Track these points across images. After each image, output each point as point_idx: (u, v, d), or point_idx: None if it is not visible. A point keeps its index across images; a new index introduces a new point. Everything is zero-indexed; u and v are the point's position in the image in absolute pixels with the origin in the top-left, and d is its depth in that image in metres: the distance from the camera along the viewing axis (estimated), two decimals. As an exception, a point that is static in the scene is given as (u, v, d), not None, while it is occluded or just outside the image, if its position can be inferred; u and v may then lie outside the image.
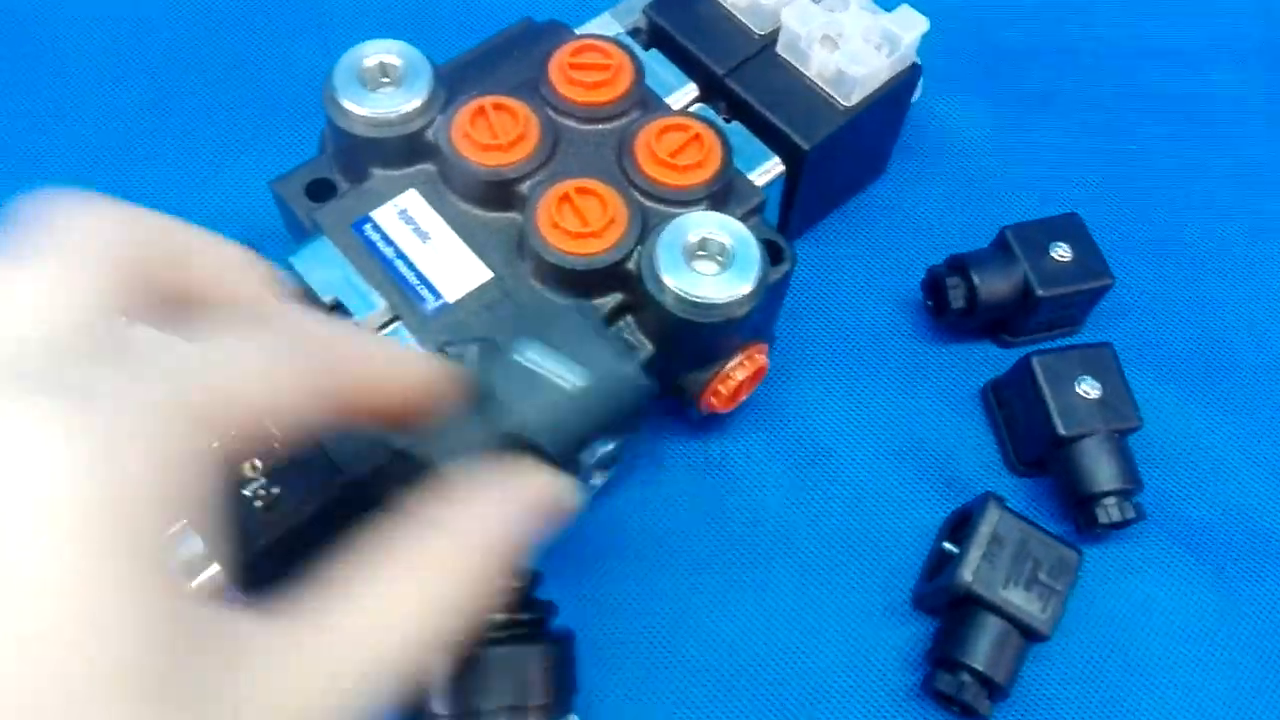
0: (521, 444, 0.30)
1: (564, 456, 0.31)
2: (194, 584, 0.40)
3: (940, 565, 0.46)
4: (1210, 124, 0.63)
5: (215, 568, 0.39)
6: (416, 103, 0.45)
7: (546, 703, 0.37)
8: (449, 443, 0.30)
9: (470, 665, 0.37)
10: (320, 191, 0.47)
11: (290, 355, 0.24)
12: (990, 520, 0.44)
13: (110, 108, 0.59)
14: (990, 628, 0.43)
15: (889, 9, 0.51)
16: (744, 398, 0.48)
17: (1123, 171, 0.60)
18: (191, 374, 0.22)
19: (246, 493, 0.39)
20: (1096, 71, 0.64)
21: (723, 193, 0.46)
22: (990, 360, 0.53)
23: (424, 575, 0.24)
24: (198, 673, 0.19)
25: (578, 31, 0.53)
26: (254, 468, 0.39)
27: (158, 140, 0.58)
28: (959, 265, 0.51)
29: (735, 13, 0.52)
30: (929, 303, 0.53)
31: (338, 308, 0.44)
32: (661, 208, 0.45)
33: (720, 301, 0.42)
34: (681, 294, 0.42)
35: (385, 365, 0.28)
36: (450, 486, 0.27)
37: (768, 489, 0.50)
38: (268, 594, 0.44)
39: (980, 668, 0.42)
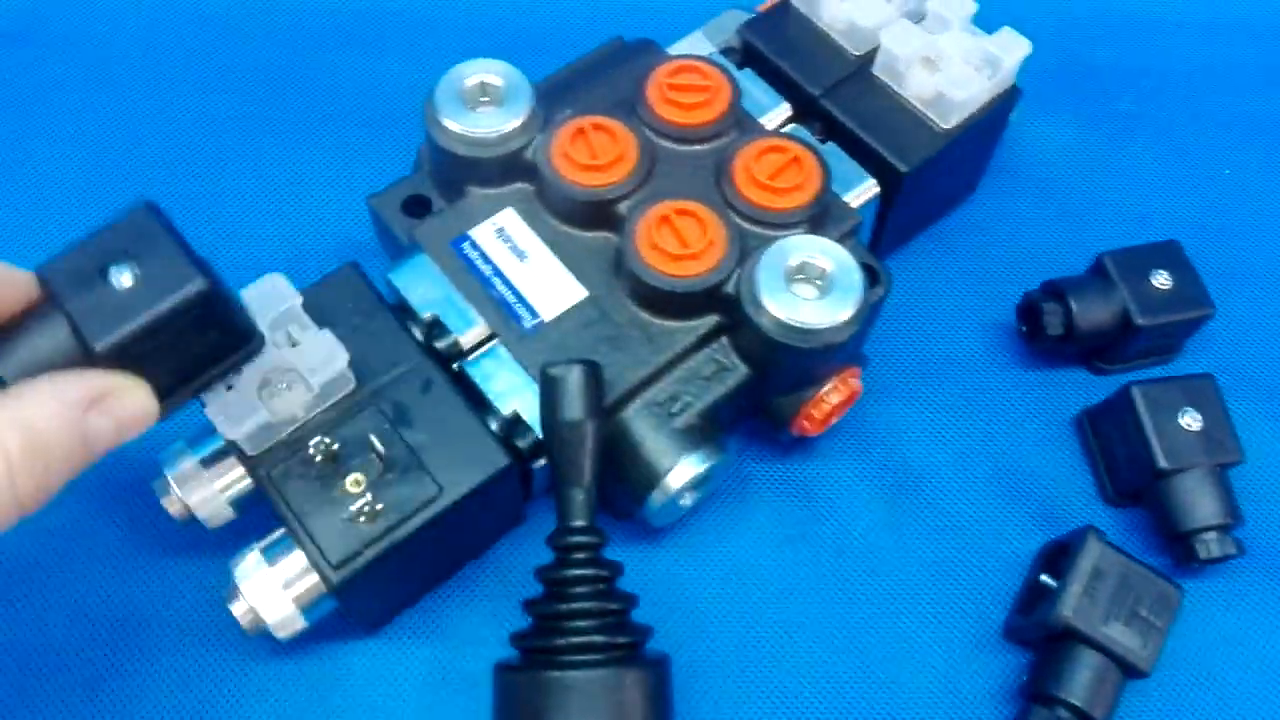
0: (99, 358, 0.31)
1: (128, 361, 0.32)
2: (293, 596, 0.40)
3: (1036, 598, 0.45)
4: (1308, 148, 0.61)
5: (314, 579, 0.40)
6: (516, 122, 0.46)
7: (646, 728, 0.37)
8: (22, 356, 0.31)
9: (573, 685, 0.37)
10: (417, 208, 0.48)
11: None
12: (1091, 554, 0.43)
13: (205, 116, 0.60)
14: (1089, 663, 0.42)
15: (988, 30, 0.50)
16: (835, 421, 0.48)
17: (1217, 197, 0.59)
18: None
19: (352, 508, 0.39)
20: (1189, 94, 0.63)
21: (820, 215, 0.46)
22: (1083, 387, 0.53)
23: None
24: None
25: (670, 51, 0.53)
26: (356, 483, 0.40)
27: (250, 152, 0.58)
28: (1056, 291, 0.51)
29: (831, 33, 0.52)
30: (1023, 328, 0.52)
31: (436, 324, 0.44)
32: (760, 230, 0.45)
33: (821, 327, 0.42)
34: (782, 318, 0.42)
35: None
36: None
37: (856, 515, 0.49)
38: (369, 609, 0.44)
39: (1079, 704, 0.42)
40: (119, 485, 0.49)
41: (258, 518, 0.42)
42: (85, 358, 0.31)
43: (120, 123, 0.59)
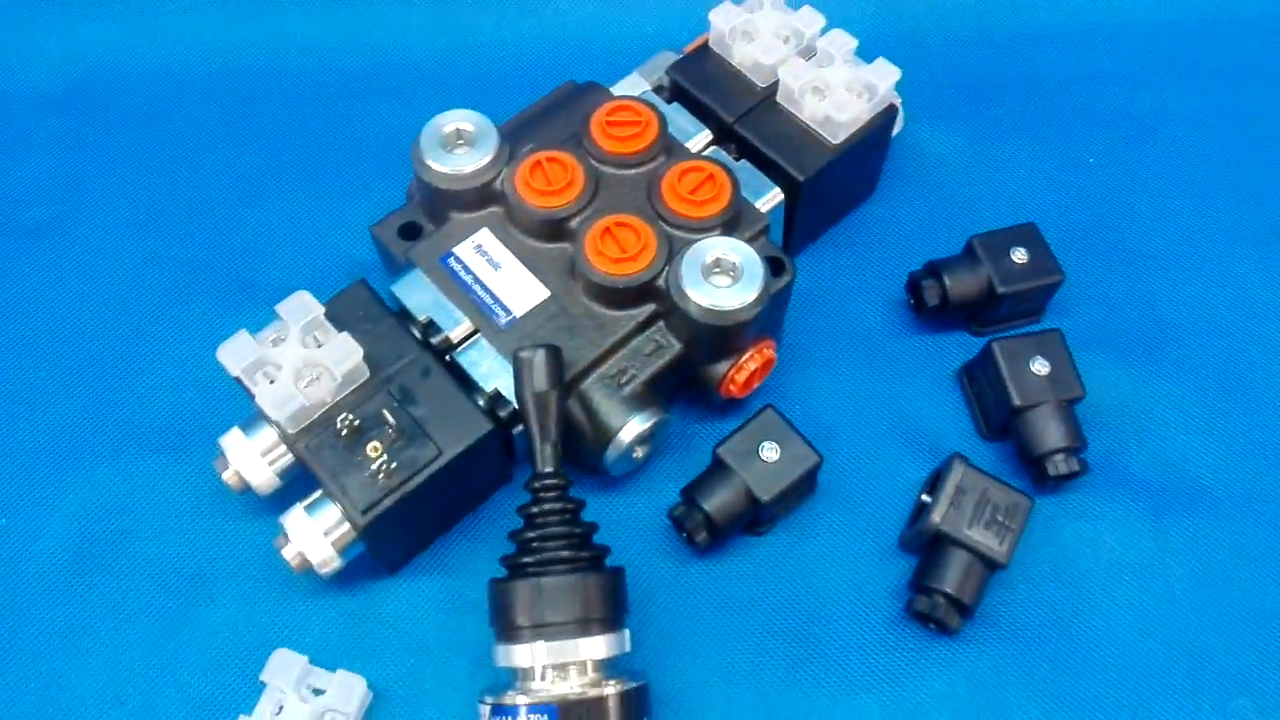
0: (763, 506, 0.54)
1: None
2: (332, 540, 0.51)
3: (918, 514, 0.56)
4: (1159, 137, 0.73)
5: (347, 526, 0.51)
6: (485, 160, 0.57)
7: (604, 617, 0.48)
8: (715, 502, 0.54)
9: (546, 587, 0.48)
10: (410, 233, 0.59)
11: None
12: (956, 474, 0.54)
13: (233, 166, 0.72)
14: (957, 558, 0.53)
15: (870, 60, 0.62)
16: (756, 385, 0.59)
17: (1080, 184, 0.70)
18: None
19: (372, 468, 0.50)
20: (1060, 96, 0.74)
21: (734, 219, 0.57)
22: (964, 347, 0.64)
23: None
24: None
25: (612, 90, 0.64)
26: (374, 449, 0.51)
27: (273, 194, 0.70)
28: (933, 269, 0.62)
29: (742, 70, 0.63)
30: (910, 300, 0.63)
31: (430, 324, 0.55)
32: (684, 234, 0.56)
33: (732, 308, 0.53)
34: (702, 304, 0.53)
35: None
36: None
37: (780, 459, 0.60)
38: (391, 552, 0.55)
39: (950, 590, 0.53)
40: (187, 470, 0.60)
41: (297, 490, 0.53)
42: (751, 507, 0.54)
43: (159, 176, 0.71)
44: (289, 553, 0.52)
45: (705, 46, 0.65)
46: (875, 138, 0.63)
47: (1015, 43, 0.77)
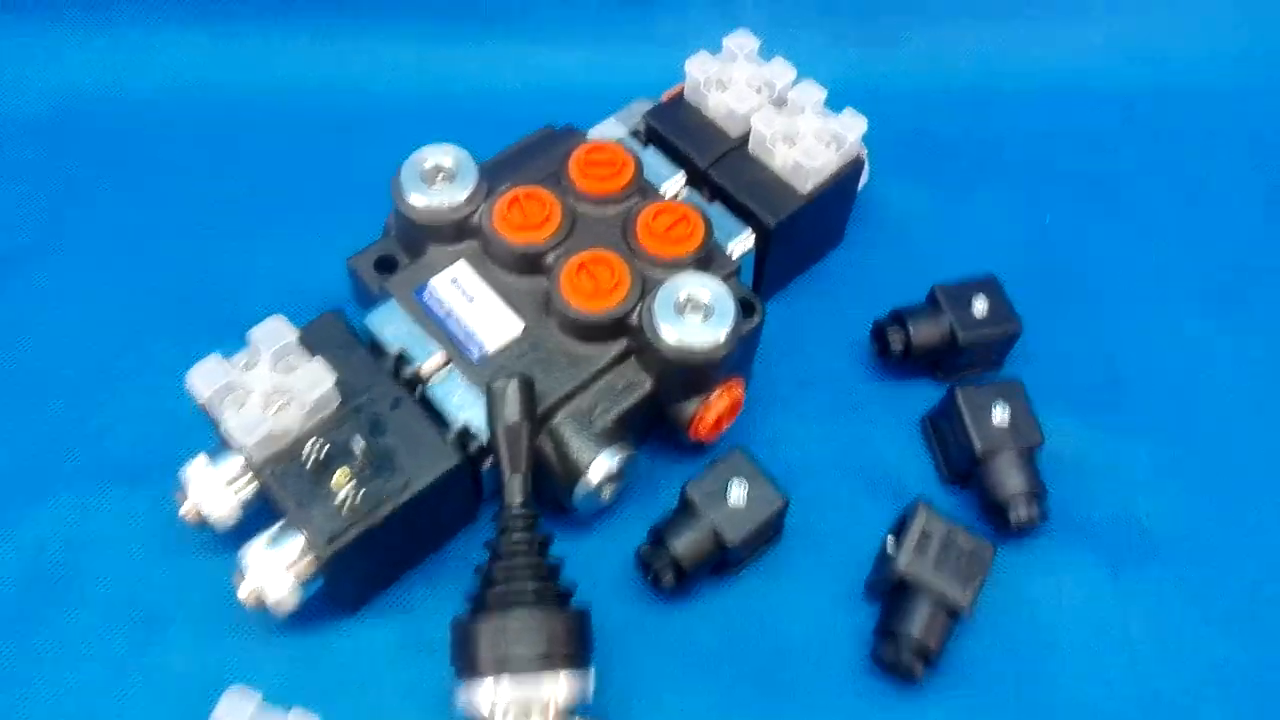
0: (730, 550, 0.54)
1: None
2: (294, 574, 0.50)
3: (884, 559, 0.57)
4: (1114, 196, 0.76)
5: (311, 557, 0.50)
6: (464, 195, 0.57)
7: (570, 654, 0.47)
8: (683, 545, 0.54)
9: (514, 621, 0.47)
10: (386, 266, 0.59)
11: None
12: (920, 520, 0.55)
13: (215, 195, 0.72)
14: (922, 605, 0.53)
15: (838, 111, 0.63)
16: (725, 427, 0.59)
17: (1038, 239, 0.73)
18: None
19: (339, 498, 0.50)
20: (1018, 155, 0.77)
21: (706, 259, 0.58)
22: (928, 394, 0.65)
23: None
24: None
25: (589, 133, 0.65)
26: (342, 476, 0.51)
27: (253, 224, 0.71)
28: (898, 317, 0.63)
29: (715, 119, 0.65)
30: (876, 347, 0.64)
31: (402, 356, 0.55)
32: (658, 272, 0.57)
33: (703, 346, 0.54)
34: (674, 341, 0.53)
35: None
36: None
37: (745, 502, 0.61)
38: (351, 590, 0.54)
39: (915, 635, 0.53)
40: (145, 504, 0.59)
41: (255, 528, 0.52)
42: (719, 549, 0.54)
43: (138, 207, 0.71)
44: (244, 589, 0.51)
45: (680, 96, 0.66)
46: (843, 187, 0.65)
47: (977, 102, 0.79)
